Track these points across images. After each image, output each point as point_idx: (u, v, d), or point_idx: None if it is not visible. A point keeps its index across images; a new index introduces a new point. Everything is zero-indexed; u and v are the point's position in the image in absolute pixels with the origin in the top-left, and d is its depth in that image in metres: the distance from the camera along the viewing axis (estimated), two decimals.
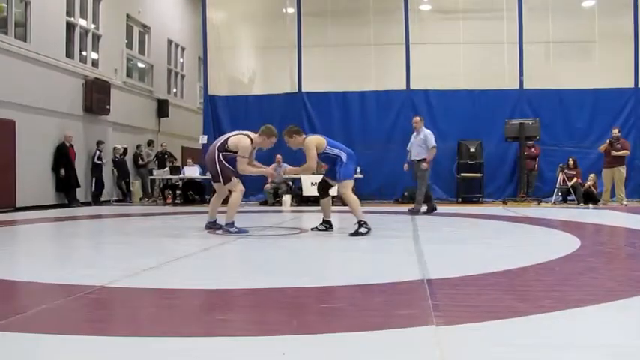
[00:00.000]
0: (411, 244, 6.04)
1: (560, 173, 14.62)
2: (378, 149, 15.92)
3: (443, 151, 15.63)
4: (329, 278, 4.24)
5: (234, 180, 7.13)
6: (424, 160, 10.65)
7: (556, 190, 14.77)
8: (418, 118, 11.20)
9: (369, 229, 6.97)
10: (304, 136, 7.31)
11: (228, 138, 7.19)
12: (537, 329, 2.76)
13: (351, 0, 16.65)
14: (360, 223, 6.98)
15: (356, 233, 6.90)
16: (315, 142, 7.15)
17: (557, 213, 11.14)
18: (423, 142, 10.69)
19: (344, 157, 7.18)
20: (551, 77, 15.64)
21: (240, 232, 7.07)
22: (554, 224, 8.76)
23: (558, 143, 15.48)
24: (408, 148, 11.20)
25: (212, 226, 7.52)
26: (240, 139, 7.11)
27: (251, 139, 7.15)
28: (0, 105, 12.45)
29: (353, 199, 7.12)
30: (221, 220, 7.43)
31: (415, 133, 10.99)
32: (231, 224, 7.12)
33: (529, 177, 15.25)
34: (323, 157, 7.28)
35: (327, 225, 7.51)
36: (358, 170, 14.88)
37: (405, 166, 11.21)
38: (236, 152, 7.10)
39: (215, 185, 7.53)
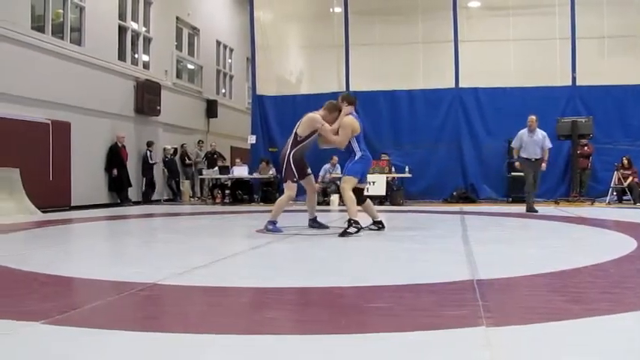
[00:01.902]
0: (460, 244, 5.96)
1: (616, 172, 14.20)
2: (427, 148, 15.78)
3: (493, 149, 15.47)
4: (377, 278, 4.22)
5: (290, 183, 7.28)
6: (542, 159, 10.96)
7: (611, 189, 14.36)
8: (534, 117, 11.14)
9: (359, 230, 6.81)
10: (349, 111, 7.25)
11: (296, 130, 7.31)
12: (592, 332, 2.69)
13: None
14: (350, 222, 6.84)
15: (344, 233, 6.78)
16: (353, 125, 7.13)
17: (612, 213, 10.83)
18: (540, 141, 10.91)
19: (357, 155, 7.16)
20: (605, 73, 15.18)
21: (275, 230, 7.15)
22: (608, 224, 8.52)
23: (613, 141, 15.02)
24: (513, 145, 11.39)
25: (313, 224, 7.71)
26: (308, 118, 7.26)
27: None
28: (56, 107, 12.81)
29: (349, 196, 7.00)
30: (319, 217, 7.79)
31: (528, 132, 11.00)
32: (272, 222, 7.24)
33: (582, 176, 14.86)
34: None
35: (378, 225, 7.45)
36: (406, 169, 14.80)
37: (518, 164, 11.42)
38: (308, 137, 7.24)
39: (301, 182, 7.62)
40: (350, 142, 7.19)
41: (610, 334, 2.66)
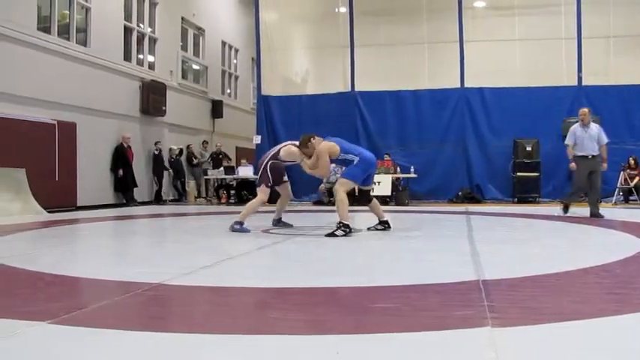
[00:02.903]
0: (466, 245, 5.95)
1: (622, 172, 14.16)
2: (432, 148, 15.75)
3: (499, 149, 15.44)
4: (383, 278, 4.21)
5: (264, 187, 7.54)
6: (601, 157, 9.70)
7: (617, 189, 14.32)
8: (587, 110, 9.92)
9: (347, 232, 6.79)
10: (318, 139, 7.29)
11: (280, 148, 7.63)
12: (598, 333, 2.68)
13: None
14: (339, 225, 6.83)
15: (331, 234, 6.79)
16: (327, 148, 7.09)
17: (619, 213, 10.79)
18: (596, 136, 9.69)
19: (356, 160, 7.11)
20: (611, 73, 15.14)
21: (241, 230, 7.31)
22: (614, 225, 8.48)
23: (619, 141, 14.93)
24: (567, 142, 9.91)
25: (277, 223, 7.96)
26: (292, 152, 7.52)
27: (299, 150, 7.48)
28: (62, 108, 12.84)
29: (341, 198, 6.96)
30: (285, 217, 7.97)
31: (582, 127, 9.76)
32: (239, 223, 7.39)
33: None
34: (338, 162, 7.33)
35: (384, 225, 7.45)
36: (412, 169, 14.79)
37: (573, 165, 9.85)
38: (288, 161, 7.60)
39: (277, 189, 7.92)
40: (341, 158, 7.18)
41: (616, 334, 2.65)
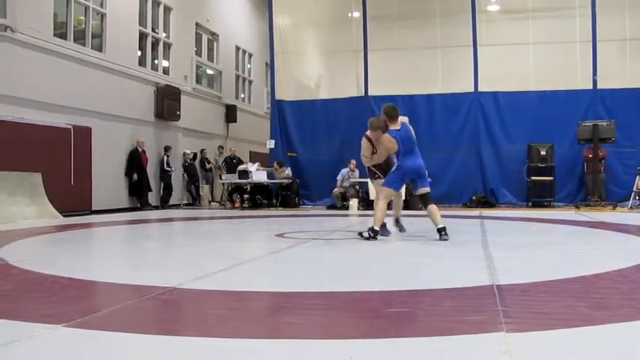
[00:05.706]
0: (480, 249, 5.92)
1: (638, 176, 14.01)
2: (446, 153, 15.69)
3: (512, 153, 15.35)
4: (397, 282, 4.21)
5: (374, 181, 7.67)
6: None
7: (633, 193, 14.17)
8: None
9: (370, 238, 6.78)
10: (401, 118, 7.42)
11: None
12: (613, 339, 2.66)
13: (417, 2, 16.44)
14: (369, 228, 6.87)
15: (360, 233, 6.91)
16: (385, 144, 7.13)
17: (634, 218, 10.69)
18: None
19: (394, 166, 7.15)
20: (627, 76, 15.02)
21: (384, 233, 7.30)
22: (630, 229, 8.39)
23: (636, 145, 14.81)
24: None
25: (396, 224, 7.88)
26: (362, 142, 7.53)
27: (366, 137, 7.49)
28: (78, 112, 12.95)
29: (379, 206, 7.00)
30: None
31: None
32: (383, 225, 7.34)
33: (596, 180, 14.62)
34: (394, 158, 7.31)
35: (440, 232, 6.99)
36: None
37: None
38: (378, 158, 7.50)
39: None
40: (391, 157, 7.27)
41: (632, 340, 2.63)
